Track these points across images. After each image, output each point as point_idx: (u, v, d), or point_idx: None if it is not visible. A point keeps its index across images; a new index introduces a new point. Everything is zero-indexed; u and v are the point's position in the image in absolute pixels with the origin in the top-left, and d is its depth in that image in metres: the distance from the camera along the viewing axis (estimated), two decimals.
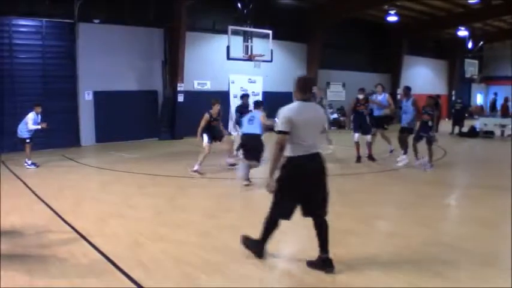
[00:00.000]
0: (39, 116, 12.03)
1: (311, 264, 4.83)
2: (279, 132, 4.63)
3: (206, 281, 4.54)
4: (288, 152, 4.66)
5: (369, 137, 12.19)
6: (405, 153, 11.84)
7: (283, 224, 6.64)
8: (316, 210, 4.82)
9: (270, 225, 4.98)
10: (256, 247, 5.08)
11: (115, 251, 5.35)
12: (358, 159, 12.15)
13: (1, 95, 14.61)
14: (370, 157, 12.25)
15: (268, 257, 5.25)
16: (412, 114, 11.57)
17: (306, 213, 4.88)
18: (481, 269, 4.76)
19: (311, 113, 4.76)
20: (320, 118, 4.93)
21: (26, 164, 11.78)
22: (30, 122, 11.81)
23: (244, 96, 13.62)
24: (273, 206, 4.91)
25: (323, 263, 4.73)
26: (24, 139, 11.86)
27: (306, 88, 4.81)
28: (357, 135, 12.20)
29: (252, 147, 9.23)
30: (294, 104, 4.73)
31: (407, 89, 12.11)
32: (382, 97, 12.70)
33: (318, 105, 5.26)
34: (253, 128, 9.29)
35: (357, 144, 12.20)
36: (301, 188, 4.70)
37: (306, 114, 4.67)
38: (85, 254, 5.34)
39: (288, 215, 4.87)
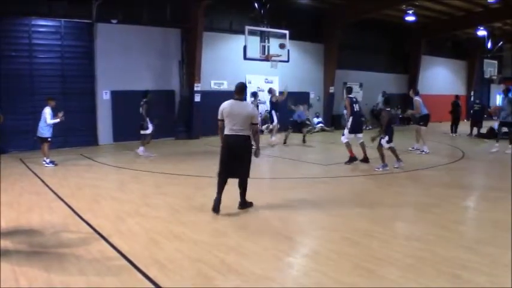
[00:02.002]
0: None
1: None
2: (218, 119, 7.18)
3: (222, 281, 4.54)
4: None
5: None
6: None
7: (302, 225, 6.65)
8: (236, 173, 7.16)
9: (219, 181, 7.16)
10: (215, 199, 7.12)
11: (132, 250, 5.37)
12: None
13: (20, 94, 14.80)
14: None
15: (285, 256, 5.25)
16: (507, 111, 14.44)
17: (230, 174, 7.16)
18: (501, 274, 4.67)
19: (236, 107, 7.02)
20: (244, 112, 7.00)
21: (44, 163, 11.90)
22: (49, 116, 11.82)
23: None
24: (219, 166, 7.25)
25: (239, 205, 7.27)
26: (46, 138, 11.95)
27: (238, 91, 7.19)
28: None
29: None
30: (228, 101, 7.16)
31: (507, 90, 13.55)
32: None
33: (248, 103, 7.57)
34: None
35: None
36: (226, 154, 7.12)
37: (232, 108, 7.02)
38: (102, 252, 5.37)
39: (225, 172, 7.16)
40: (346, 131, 12.04)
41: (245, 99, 7.55)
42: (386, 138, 10.94)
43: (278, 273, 4.82)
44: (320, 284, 4.49)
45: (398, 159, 11.20)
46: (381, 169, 10.92)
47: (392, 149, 11.12)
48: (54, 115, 11.97)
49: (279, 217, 6.95)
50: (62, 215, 7.12)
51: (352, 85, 23.72)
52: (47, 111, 11.88)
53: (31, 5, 15.07)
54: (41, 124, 11.94)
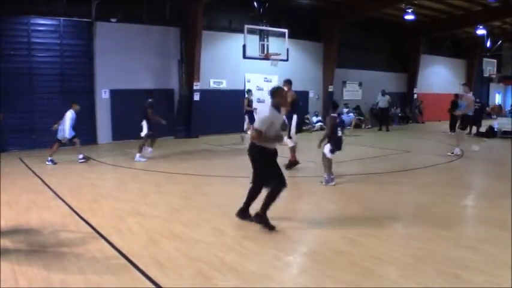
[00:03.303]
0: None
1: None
2: None
3: (221, 280, 4.53)
4: None
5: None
6: None
7: (300, 224, 6.65)
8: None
9: None
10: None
11: (131, 249, 5.37)
12: None
13: (19, 93, 14.78)
14: None
15: (285, 256, 5.25)
16: None
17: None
18: (502, 273, 4.67)
19: None
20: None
21: (47, 162, 11.98)
22: (69, 121, 11.94)
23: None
24: None
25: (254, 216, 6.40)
26: (60, 140, 12.13)
27: (271, 96, 6.59)
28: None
29: None
30: None
31: None
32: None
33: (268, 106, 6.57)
34: None
35: None
36: None
37: None
38: (101, 251, 5.37)
39: None
40: (294, 134, 10.91)
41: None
42: (329, 146, 9.19)
43: (277, 272, 4.82)
44: (319, 284, 4.49)
45: (329, 174, 9.34)
46: (324, 183, 9.29)
47: (329, 161, 9.39)
48: (77, 118, 12.14)
49: (278, 216, 6.93)
50: (61, 214, 7.11)
51: (352, 84, 24.05)
52: (68, 115, 11.98)
53: (30, 4, 15.05)
54: (63, 127, 11.98)
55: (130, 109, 16.85)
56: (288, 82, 11.43)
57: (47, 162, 11.92)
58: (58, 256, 5.18)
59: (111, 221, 6.69)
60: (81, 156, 12.30)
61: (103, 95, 16.80)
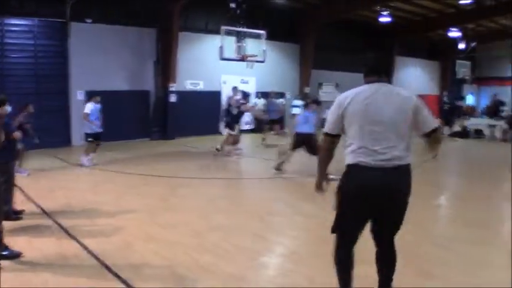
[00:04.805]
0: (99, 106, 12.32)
1: None
2: None
3: (197, 282, 4.51)
4: None
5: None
6: None
7: (279, 226, 6.65)
8: None
9: None
10: None
11: (105, 251, 5.30)
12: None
13: None
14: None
15: (261, 257, 5.25)
16: None
17: None
18: (474, 269, 4.75)
19: None
20: None
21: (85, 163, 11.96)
22: (88, 111, 11.98)
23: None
24: None
25: None
26: (86, 135, 12.22)
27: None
28: None
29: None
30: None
31: None
32: None
33: None
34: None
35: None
36: None
37: None
38: (75, 254, 5.29)
39: None
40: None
41: None
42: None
43: (254, 273, 4.82)
44: (296, 284, 4.50)
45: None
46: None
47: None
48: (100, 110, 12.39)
49: (256, 217, 6.94)
50: (34, 217, 6.98)
51: (328, 85, 24.12)
52: (88, 106, 12.14)
53: (3, 4, 14.77)
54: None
55: (106, 111, 16.70)
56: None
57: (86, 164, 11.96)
58: (30, 260, 5.09)
59: (85, 224, 6.60)
60: (86, 159, 11.96)
61: (78, 96, 16.54)
